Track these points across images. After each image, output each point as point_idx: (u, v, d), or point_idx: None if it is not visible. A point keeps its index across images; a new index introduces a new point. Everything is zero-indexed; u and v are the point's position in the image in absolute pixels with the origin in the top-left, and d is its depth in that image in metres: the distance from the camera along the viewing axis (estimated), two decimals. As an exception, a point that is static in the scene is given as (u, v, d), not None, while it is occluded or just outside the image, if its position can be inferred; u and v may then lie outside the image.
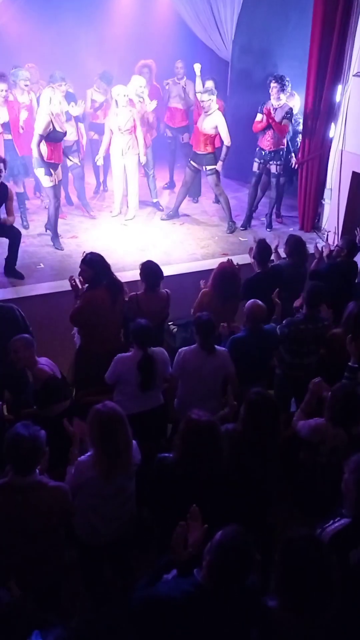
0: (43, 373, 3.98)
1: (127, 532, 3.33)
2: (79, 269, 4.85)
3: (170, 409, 4.45)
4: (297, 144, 8.32)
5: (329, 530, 2.62)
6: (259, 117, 7.70)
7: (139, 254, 7.05)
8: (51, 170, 6.96)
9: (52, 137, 6.85)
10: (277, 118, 7.58)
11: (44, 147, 6.84)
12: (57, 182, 7.12)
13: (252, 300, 4.56)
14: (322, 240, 7.80)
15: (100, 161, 8.20)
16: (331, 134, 7.81)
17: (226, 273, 5.15)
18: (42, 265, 7.00)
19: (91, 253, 4.90)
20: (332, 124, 7.75)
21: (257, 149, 7.93)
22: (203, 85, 8.01)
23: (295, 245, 5.67)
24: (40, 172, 6.97)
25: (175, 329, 6.13)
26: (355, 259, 6.06)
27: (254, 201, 8.36)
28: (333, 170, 7.91)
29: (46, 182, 7.02)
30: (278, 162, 7.92)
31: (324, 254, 6.01)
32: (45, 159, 6.88)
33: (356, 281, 6.21)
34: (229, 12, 9.13)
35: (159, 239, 7.84)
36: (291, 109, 7.70)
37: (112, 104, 7.80)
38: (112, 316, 4.83)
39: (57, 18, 9.14)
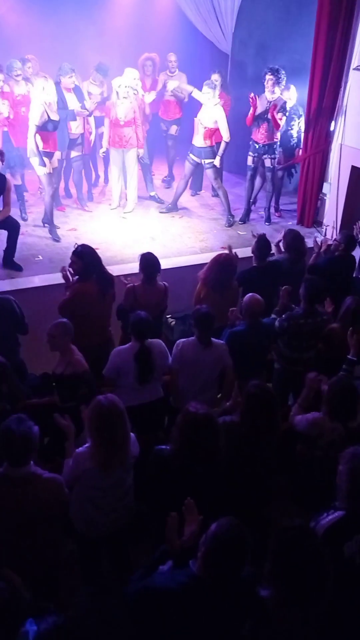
0: (80, 365, 4.07)
1: (125, 524, 3.34)
2: (70, 260, 4.88)
3: (169, 401, 4.47)
4: (293, 139, 8.28)
5: (323, 522, 2.64)
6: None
7: (137, 247, 7.04)
8: (45, 159, 7.02)
9: (47, 126, 6.91)
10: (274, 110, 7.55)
11: (38, 137, 6.91)
12: (51, 171, 7.17)
13: (250, 294, 4.57)
14: (321, 235, 7.80)
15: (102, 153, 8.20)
16: (331, 127, 7.78)
17: (221, 260, 5.18)
18: (40, 258, 7.00)
19: (82, 245, 4.91)
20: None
21: (251, 142, 7.91)
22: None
23: (293, 240, 5.67)
24: (34, 161, 7.05)
25: (174, 322, 6.15)
26: (354, 253, 6.08)
27: (251, 195, 8.34)
28: (332, 165, 7.90)
29: (40, 170, 7.10)
30: (272, 156, 7.89)
31: (322, 249, 6.01)
32: (39, 148, 6.94)
33: (354, 275, 6.23)
34: (229, 5, 9.07)
35: (157, 232, 7.83)
36: (285, 103, 7.66)
37: (113, 96, 7.77)
38: (101, 309, 4.83)
39: (57, 10, 9.08)
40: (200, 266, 6.20)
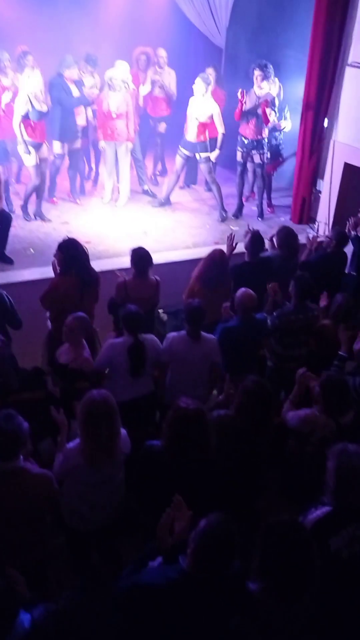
0: (88, 364, 4.17)
1: (115, 519, 3.35)
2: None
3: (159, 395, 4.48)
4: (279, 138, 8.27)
5: (310, 517, 2.66)
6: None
7: (130, 241, 7.01)
8: (30, 148, 7.09)
9: (31, 115, 6.97)
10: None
11: (22, 126, 7.02)
12: (38, 161, 7.25)
13: (243, 289, 4.58)
14: (314, 232, 7.82)
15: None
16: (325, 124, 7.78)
17: (215, 260, 5.19)
18: (32, 251, 6.97)
19: (68, 239, 4.89)
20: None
21: (239, 137, 7.89)
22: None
23: (286, 237, 5.68)
24: (20, 149, 7.17)
25: (166, 317, 6.14)
26: (346, 249, 6.10)
27: (242, 190, 8.34)
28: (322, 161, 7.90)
29: (26, 160, 7.23)
30: (261, 151, 7.89)
31: (314, 246, 6.03)
32: (25, 137, 7.05)
33: (345, 272, 6.26)
34: (224, -1, 9.06)
35: (150, 226, 7.81)
36: (274, 98, 7.65)
37: (105, 88, 7.74)
38: (80, 306, 4.72)
39: (50, 1, 9.01)
40: (192, 261, 6.21)
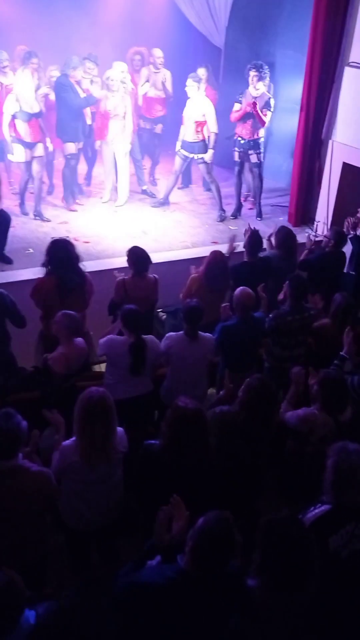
0: (56, 366, 4.11)
1: (114, 519, 3.35)
2: None
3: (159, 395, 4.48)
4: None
5: (309, 516, 2.66)
6: (236, 106, 7.69)
7: (129, 241, 7.01)
8: (16, 146, 7.22)
9: (20, 115, 7.07)
10: (258, 107, 7.56)
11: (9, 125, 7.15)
12: (29, 159, 7.33)
13: (241, 287, 4.59)
14: (313, 231, 7.82)
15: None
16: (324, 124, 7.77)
17: (217, 263, 5.19)
18: (31, 250, 6.97)
19: (56, 239, 4.84)
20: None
21: (235, 137, 7.92)
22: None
23: (285, 237, 5.69)
24: (10, 148, 7.29)
25: (164, 316, 6.15)
26: (344, 249, 6.11)
27: (240, 190, 8.34)
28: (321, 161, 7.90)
29: (13, 157, 7.37)
30: (258, 151, 7.91)
31: (312, 245, 6.04)
32: (16, 136, 7.15)
33: (344, 271, 6.27)
34: (223, -1, 9.05)
35: (149, 226, 7.81)
36: (270, 99, 7.65)
37: (102, 89, 7.76)
38: (65, 307, 4.57)
39: (50, 2, 9.01)
40: (191, 260, 6.22)
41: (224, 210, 8.20)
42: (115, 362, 4.20)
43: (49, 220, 7.63)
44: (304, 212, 8.21)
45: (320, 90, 7.43)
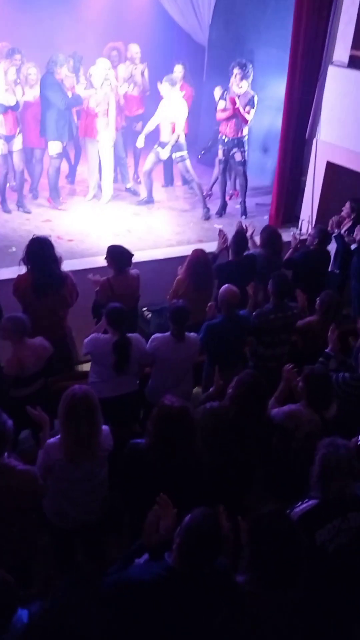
0: (9, 367, 4.06)
1: (98, 517, 3.34)
2: None
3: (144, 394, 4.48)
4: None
5: (296, 511, 2.68)
6: (221, 104, 7.71)
7: (113, 239, 6.98)
8: None
9: None
10: (241, 105, 7.59)
11: None
12: (6, 152, 7.33)
13: (226, 285, 4.60)
14: (298, 230, 7.85)
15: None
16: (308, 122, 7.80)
17: (200, 261, 5.19)
18: (14, 249, 6.90)
19: (36, 237, 4.75)
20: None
21: (219, 136, 7.96)
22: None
23: (270, 236, 5.71)
24: None
25: (150, 315, 6.14)
26: (329, 247, 6.14)
27: (225, 188, 8.37)
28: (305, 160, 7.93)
29: None
30: (242, 149, 7.94)
31: (297, 243, 6.07)
32: None
33: (328, 270, 6.31)
34: (206, -4, 9.06)
35: (134, 224, 7.80)
36: (253, 97, 7.68)
37: (87, 86, 7.73)
38: (41, 306, 4.61)
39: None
40: (176, 259, 6.21)
41: (207, 208, 8.21)
42: (100, 361, 4.19)
43: (29, 212, 7.64)
44: (286, 213, 8.19)
45: (303, 88, 7.43)
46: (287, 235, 6.75)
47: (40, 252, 4.60)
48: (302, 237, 6.31)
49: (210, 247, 5.94)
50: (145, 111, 8.65)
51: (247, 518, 2.49)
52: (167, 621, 2.22)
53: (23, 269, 4.70)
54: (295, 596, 2.22)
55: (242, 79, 7.52)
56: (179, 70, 8.15)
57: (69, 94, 7.45)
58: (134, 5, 9.85)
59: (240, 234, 5.56)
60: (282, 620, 2.24)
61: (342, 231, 6.38)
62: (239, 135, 7.83)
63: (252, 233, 5.95)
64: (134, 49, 8.40)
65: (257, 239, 5.92)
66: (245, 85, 7.58)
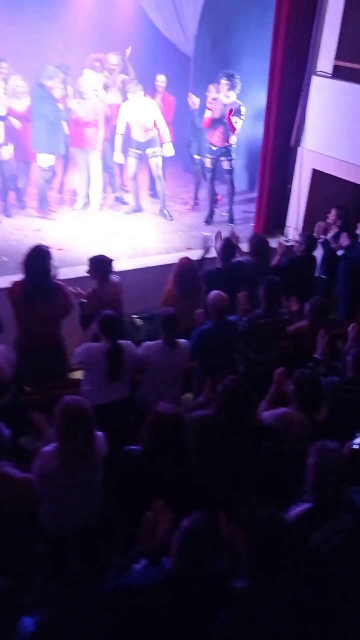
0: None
1: (93, 523, 3.35)
2: None
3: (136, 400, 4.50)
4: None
5: (291, 514, 2.71)
6: (208, 113, 7.78)
7: (102, 248, 7.04)
8: None
9: None
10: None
11: None
12: None
13: (215, 291, 4.64)
14: (284, 237, 7.95)
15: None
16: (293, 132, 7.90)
17: (185, 270, 5.24)
18: (5, 259, 6.93)
19: (35, 245, 4.79)
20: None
21: (207, 144, 8.06)
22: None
23: (258, 243, 5.77)
24: None
25: (140, 322, 6.18)
26: (315, 253, 6.23)
27: (214, 196, 8.44)
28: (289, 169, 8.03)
29: None
30: (229, 158, 8.04)
31: (284, 250, 6.15)
32: None
33: (315, 275, 6.39)
34: (191, 7, 9.13)
35: (122, 232, 7.85)
36: (240, 106, 7.78)
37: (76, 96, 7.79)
38: (33, 314, 4.66)
39: (18, 9, 9.00)
40: (166, 266, 6.26)
41: (167, 212, 8.33)
42: (93, 369, 4.21)
43: (9, 217, 7.73)
44: (273, 220, 8.24)
45: (285, 98, 7.54)
46: (274, 243, 6.82)
47: (35, 261, 4.65)
48: (289, 244, 6.40)
49: (197, 255, 5.98)
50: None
51: (240, 523, 2.52)
52: (167, 625, 2.24)
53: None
54: (292, 600, 2.25)
55: (229, 89, 7.62)
56: (162, 80, 8.28)
57: (61, 106, 7.47)
58: (120, 17, 9.93)
59: (228, 242, 5.62)
60: (279, 623, 2.27)
61: (329, 237, 6.48)
62: (227, 143, 7.92)
63: (238, 240, 6.01)
64: (112, 60, 8.50)
65: (243, 247, 5.99)
66: (232, 96, 7.68)
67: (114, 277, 5.12)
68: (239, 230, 7.98)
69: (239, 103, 7.78)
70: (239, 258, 5.83)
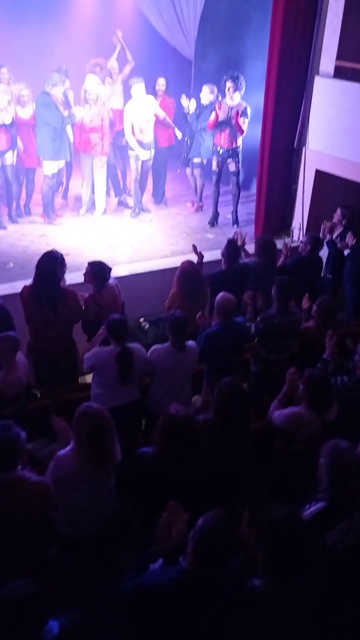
0: (10, 388, 4.04)
1: (107, 526, 3.36)
2: None
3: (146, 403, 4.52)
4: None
5: (306, 514, 2.73)
6: (213, 115, 7.81)
7: (108, 252, 7.09)
8: None
9: None
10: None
11: None
12: None
13: (222, 293, 4.64)
14: (289, 238, 7.96)
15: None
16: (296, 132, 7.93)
17: (188, 273, 5.26)
18: (12, 265, 6.97)
19: (50, 250, 4.85)
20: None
21: (214, 147, 8.07)
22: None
23: (264, 245, 5.78)
24: None
25: (147, 326, 6.20)
26: (321, 253, 6.24)
27: (218, 198, 8.45)
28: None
29: None
30: (236, 160, 8.07)
31: (289, 251, 6.16)
32: None
33: (321, 275, 6.41)
34: (192, 11, 9.17)
35: (127, 236, 7.87)
36: (246, 108, 7.81)
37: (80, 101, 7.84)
38: (42, 319, 4.72)
39: (20, 16, 9.04)
40: (171, 270, 6.29)
41: (141, 208, 8.41)
42: (103, 373, 4.23)
43: (4, 228, 7.74)
44: (278, 221, 8.23)
45: (284, 99, 7.53)
46: (279, 244, 6.83)
47: (45, 266, 4.70)
48: (294, 245, 6.41)
49: (206, 256, 6.01)
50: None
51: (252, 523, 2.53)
52: (185, 624, 2.26)
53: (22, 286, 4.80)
54: (309, 598, 2.27)
55: (234, 91, 7.65)
56: (161, 83, 8.34)
57: (65, 113, 7.49)
58: (121, 22, 9.95)
59: (232, 244, 5.64)
60: (297, 622, 2.28)
61: (334, 237, 6.49)
62: (234, 145, 7.95)
63: (244, 242, 6.02)
64: (111, 64, 8.55)
65: (249, 248, 6.01)
66: (237, 97, 7.72)
67: (111, 281, 5.15)
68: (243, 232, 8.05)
69: (244, 105, 7.81)
70: (245, 260, 5.85)
